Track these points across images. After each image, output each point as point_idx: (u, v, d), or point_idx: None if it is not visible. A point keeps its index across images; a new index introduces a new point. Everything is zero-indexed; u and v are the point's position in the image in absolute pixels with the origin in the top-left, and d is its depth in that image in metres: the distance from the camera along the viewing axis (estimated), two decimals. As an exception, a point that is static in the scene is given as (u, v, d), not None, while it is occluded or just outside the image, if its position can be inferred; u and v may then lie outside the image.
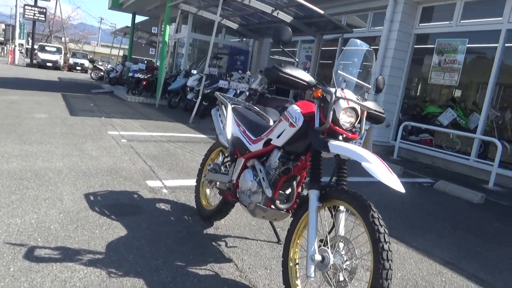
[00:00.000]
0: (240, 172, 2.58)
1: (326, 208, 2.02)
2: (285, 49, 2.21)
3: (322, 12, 8.17)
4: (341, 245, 1.91)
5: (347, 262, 1.84)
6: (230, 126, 2.79)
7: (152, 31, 24.09)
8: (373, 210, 1.73)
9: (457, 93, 8.18)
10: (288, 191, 2.34)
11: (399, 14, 8.03)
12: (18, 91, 10.46)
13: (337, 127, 1.98)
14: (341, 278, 1.85)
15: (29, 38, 35.03)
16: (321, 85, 2.08)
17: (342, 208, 1.97)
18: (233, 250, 2.65)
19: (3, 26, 42.06)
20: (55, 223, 2.70)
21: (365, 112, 2.08)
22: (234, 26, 11.70)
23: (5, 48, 39.02)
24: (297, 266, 2.12)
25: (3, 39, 40.85)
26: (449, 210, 4.47)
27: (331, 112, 1.95)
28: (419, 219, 3.89)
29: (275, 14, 9.00)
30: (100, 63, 23.10)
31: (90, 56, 32.62)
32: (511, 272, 2.99)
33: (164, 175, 4.20)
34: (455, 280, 2.69)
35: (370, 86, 2.13)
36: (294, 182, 2.31)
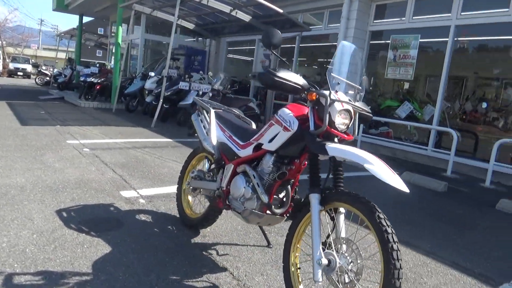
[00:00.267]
0: (230, 178, 2.52)
1: (325, 211, 2.02)
2: (275, 53, 2.18)
3: (281, 11, 8.23)
4: (344, 246, 1.92)
5: (352, 263, 1.86)
6: (214, 132, 2.72)
7: (99, 32, 23.11)
8: (378, 211, 1.75)
9: (412, 86, 8.57)
10: (283, 195, 2.31)
11: (355, 12, 8.27)
12: (-43, 101, 9.63)
13: (333, 130, 1.99)
14: (347, 280, 1.86)
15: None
16: (314, 88, 2.07)
17: (342, 210, 1.98)
18: (226, 258, 2.60)
19: None
20: (29, 245, 2.50)
21: (357, 113, 2.10)
22: (191, 26, 11.50)
23: None
24: (298, 270, 2.11)
25: None
26: (418, 201, 4.67)
27: (327, 115, 1.96)
28: (393, 211, 4.03)
29: (233, 13, 8.95)
30: (44, 68, 21.82)
31: (33, 61, 30.70)
32: (484, 256, 3.16)
33: (137, 184, 4.03)
34: (439, 269, 2.80)
35: (360, 87, 2.16)
36: (289, 186, 2.29)
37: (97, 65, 15.24)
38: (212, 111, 2.80)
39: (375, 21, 8.48)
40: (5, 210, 3.00)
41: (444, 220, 4.02)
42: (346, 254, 1.88)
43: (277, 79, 2.02)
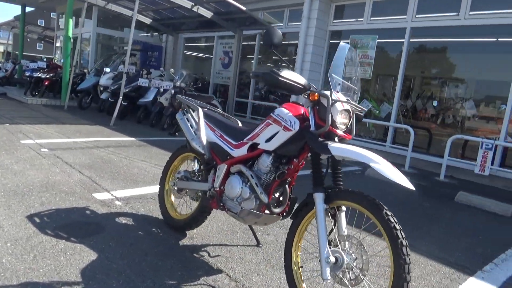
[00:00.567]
0: (223, 178, 2.48)
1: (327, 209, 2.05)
2: (276, 52, 2.17)
3: (244, 8, 8.21)
4: (348, 243, 1.96)
5: (357, 260, 1.90)
6: (204, 131, 2.66)
7: (39, 24, 21.66)
8: (385, 209, 1.81)
9: (371, 85, 8.91)
10: (280, 194, 2.32)
11: (315, 12, 8.44)
12: None
13: (335, 129, 2.02)
14: (352, 276, 1.90)
15: None
16: (315, 89, 2.10)
17: (343, 207, 2.03)
18: (219, 260, 2.56)
19: None
20: (6, 255, 2.30)
21: (355, 113, 2.16)
22: (147, 20, 11.13)
23: None
24: (301, 269, 2.13)
25: None
26: (388, 195, 4.87)
27: (330, 115, 1.98)
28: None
29: (195, 9, 8.78)
30: (-20, 61, 20.08)
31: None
32: (455, 246, 3.38)
33: (109, 186, 3.85)
34: (420, 260, 2.95)
35: (356, 88, 2.21)
36: (286, 185, 2.30)
37: (45, 59, 14.30)
38: (200, 110, 2.74)
39: (335, 21, 8.72)
40: (-32, 218, 2.75)
41: (413, 213, 4.24)
42: (350, 251, 1.93)
43: (281, 79, 2.03)
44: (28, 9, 18.67)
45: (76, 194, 3.51)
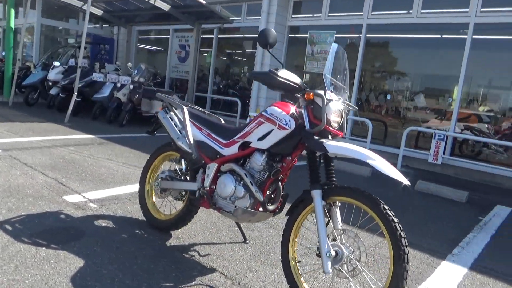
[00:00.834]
0: (213, 178, 2.47)
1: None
2: (271, 52, 2.19)
3: (203, 2, 8.09)
4: (344, 237, 2.04)
5: (356, 252, 1.99)
6: (190, 130, 2.62)
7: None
8: (382, 203, 1.91)
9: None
10: (272, 191, 2.35)
11: (275, 7, 8.52)
12: None
13: (330, 128, 2.08)
14: (351, 268, 1.99)
15: None
16: (309, 88, 2.15)
17: (338, 203, 2.11)
18: (210, 258, 2.55)
19: None
20: (-18, 267, 2.15)
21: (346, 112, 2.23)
22: (99, 12, 10.61)
23: None
24: (298, 264, 2.18)
25: None
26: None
27: (325, 114, 2.04)
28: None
29: (151, 1, 8.51)
30: None
31: None
32: (424, 232, 3.61)
33: (79, 187, 3.68)
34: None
35: (346, 87, 2.29)
36: (279, 183, 2.34)
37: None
38: (185, 109, 2.69)
39: (293, 16, 8.85)
40: None
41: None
42: (348, 244, 2.01)
43: (279, 79, 2.06)
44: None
45: (45, 197, 3.32)
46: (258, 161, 2.28)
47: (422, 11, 7.00)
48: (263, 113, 2.29)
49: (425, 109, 7.89)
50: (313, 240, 2.96)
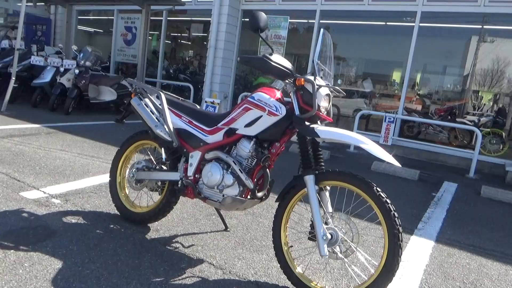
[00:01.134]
0: (197, 166, 2.40)
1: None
2: (262, 37, 2.14)
3: (153, -19, 7.70)
4: (336, 220, 2.09)
5: (348, 233, 2.05)
6: (169, 118, 2.51)
7: None
8: (375, 185, 1.96)
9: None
10: (259, 178, 2.33)
11: (228, -11, 8.35)
12: None
13: (320, 113, 2.10)
14: (344, 249, 2.04)
15: None
16: (299, 74, 2.13)
17: (327, 187, 2.15)
18: (195, 249, 2.49)
19: None
20: None
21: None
22: (33, -11, 9.71)
23: None
24: (291, 249, 2.20)
25: None
26: (292, 162, 5.20)
27: (316, 100, 2.05)
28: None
29: (95, -21, 7.93)
30: None
31: None
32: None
33: (36, 182, 3.40)
34: (369, 226, 3.26)
35: (331, 72, 2.30)
36: (267, 169, 2.32)
37: None
38: (163, 96, 2.56)
39: (247, 0, 8.73)
40: None
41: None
42: (340, 226, 2.06)
43: (274, 64, 2.02)
44: None
45: None
46: (245, 148, 2.25)
47: (373, -3, 7.24)
48: (249, 99, 2.25)
49: (375, 94, 8.24)
50: (299, 224, 2.99)
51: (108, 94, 7.75)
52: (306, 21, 8.29)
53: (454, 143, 7.56)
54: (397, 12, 7.16)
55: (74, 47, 7.63)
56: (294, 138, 2.24)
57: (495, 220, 3.88)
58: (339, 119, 8.51)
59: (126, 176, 2.79)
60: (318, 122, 2.14)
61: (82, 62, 7.36)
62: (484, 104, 7.97)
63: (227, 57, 8.64)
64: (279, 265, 2.17)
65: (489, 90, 7.76)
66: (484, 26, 6.92)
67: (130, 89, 8.23)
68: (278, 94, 2.27)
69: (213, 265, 2.32)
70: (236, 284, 2.14)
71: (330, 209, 2.14)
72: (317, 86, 2.06)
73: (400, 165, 2.02)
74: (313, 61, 2.15)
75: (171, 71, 10.62)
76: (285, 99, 2.31)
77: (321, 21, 7.88)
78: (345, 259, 2.03)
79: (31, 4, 12.01)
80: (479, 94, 7.95)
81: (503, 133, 6.86)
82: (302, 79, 2.08)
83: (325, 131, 2.03)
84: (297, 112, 2.11)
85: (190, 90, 9.00)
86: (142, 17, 8.62)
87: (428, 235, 3.21)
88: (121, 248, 2.38)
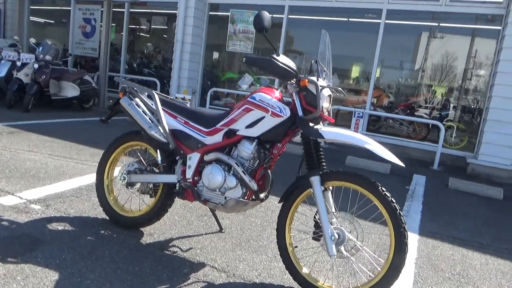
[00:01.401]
0: (196, 168, 2.34)
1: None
2: (266, 36, 2.11)
3: (117, -28, 7.37)
4: (340, 219, 2.12)
5: (353, 232, 2.09)
6: (164, 118, 2.42)
7: None
8: (380, 185, 2.01)
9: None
10: (260, 179, 2.32)
11: (194, -17, 8.17)
12: None
13: (324, 114, 2.12)
14: (349, 248, 2.08)
15: None
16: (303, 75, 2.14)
17: (330, 187, 2.18)
18: (194, 252, 2.44)
19: None
20: None
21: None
22: (-20, -25, 8.99)
23: None
24: (295, 249, 2.21)
25: None
26: (283, 163, 5.25)
27: (320, 101, 2.06)
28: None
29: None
30: None
31: None
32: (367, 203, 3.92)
33: (9, 187, 3.17)
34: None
35: (329, 73, 2.32)
36: (268, 170, 2.31)
37: None
38: (156, 95, 2.47)
39: (212, -6, 8.60)
40: None
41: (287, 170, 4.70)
42: (345, 226, 2.10)
43: (281, 65, 2.01)
44: None
45: (-29, 202, 2.81)
46: (247, 149, 2.22)
47: (341, -5, 7.37)
48: (250, 99, 2.22)
49: (343, 89, 8.43)
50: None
51: (71, 90, 7.37)
52: (274, 16, 8.30)
53: (412, 135, 7.92)
54: (363, 9, 7.35)
55: (32, 40, 7.18)
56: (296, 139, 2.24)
57: (466, 211, 4.12)
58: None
59: (118, 178, 2.66)
60: (320, 122, 2.16)
61: (41, 56, 6.94)
62: (444, 99, 8.38)
63: (194, 51, 8.48)
64: (284, 265, 2.18)
65: (439, 84, 8.14)
66: (441, 24, 7.27)
67: (94, 85, 7.91)
68: (278, 94, 2.26)
69: (216, 268, 2.29)
70: (242, 287, 2.13)
71: (333, 209, 2.17)
72: (321, 87, 2.07)
73: (403, 165, 2.08)
74: (316, 62, 2.16)
75: (135, 65, 10.27)
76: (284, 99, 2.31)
77: (289, 16, 7.93)
78: (351, 257, 2.07)
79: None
80: (432, 88, 8.32)
81: (463, 127, 7.27)
82: (306, 80, 2.08)
83: (329, 132, 2.05)
84: (300, 113, 2.11)
85: (156, 85, 8.75)
86: (105, 9, 8.24)
87: (411, 228, 3.35)
88: (118, 255, 2.29)
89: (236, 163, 2.21)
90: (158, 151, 2.45)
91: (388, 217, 1.97)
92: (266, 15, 2.06)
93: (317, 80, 2.09)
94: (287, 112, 2.12)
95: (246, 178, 2.18)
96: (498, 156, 5.99)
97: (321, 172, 2.12)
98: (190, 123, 2.41)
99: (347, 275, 2.40)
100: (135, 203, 2.90)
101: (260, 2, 8.13)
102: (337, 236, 2.03)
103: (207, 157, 2.32)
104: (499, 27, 6.53)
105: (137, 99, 2.56)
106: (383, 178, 5.20)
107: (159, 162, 2.43)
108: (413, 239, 3.11)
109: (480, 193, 4.91)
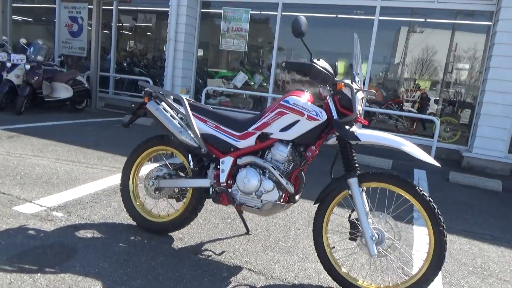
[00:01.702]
0: (229, 172, 2.35)
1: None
2: (303, 40, 2.13)
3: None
4: (375, 219, 2.18)
5: (390, 232, 2.15)
6: (195, 123, 2.42)
7: None
8: (417, 186, 2.07)
9: (246, 57, 9.15)
10: (296, 181, 2.35)
11: (186, -20, 8.10)
12: None
13: (359, 117, 2.16)
14: (386, 247, 2.14)
15: None
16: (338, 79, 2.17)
17: (364, 188, 2.22)
18: (228, 256, 2.45)
19: None
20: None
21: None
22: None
23: None
24: (333, 250, 2.25)
25: None
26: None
27: (356, 104, 2.11)
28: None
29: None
30: None
31: None
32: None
33: (25, 194, 3.11)
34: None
35: (360, 75, 2.37)
36: (302, 172, 2.35)
37: None
38: (186, 101, 2.46)
39: (205, -8, 8.54)
40: None
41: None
42: (382, 225, 2.15)
43: (321, 69, 2.04)
44: None
45: (-9, 211, 2.74)
46: (282, 152, 2.25)
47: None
48: (283, 102, 2.24)
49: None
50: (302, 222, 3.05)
51: (63, 91, 7.22)
52: (267, 13, 8.31)
53: (400, 129, 8.09)
54: (359, 6, 7.44)
55: (23, 40, 6.98)
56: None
57: (471, 204, 4.25)
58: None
59: (145, 184, 2.64)
60: (354, 124, 2.21)
61: (33, 56, 6.76)
62: (438, 94, 8.57)
63: (188, 50, 8.41)
64: (321, 266, 2.22)
65: (426, 79, 8.32)
66: (432, 20, 7.43)
67: (86, 86, 7.76)
68: (309, 96, 2.29)
69: (253, 271, 2.31)
70: (283, 289, 2.16)
71: (368, 209, 2.22)
72: (356, 90, 2.12)
73: (439, 165, 2.15)
74: (350, 65, 2.20)
75: (125, 64, 10.11)
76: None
77: (283, 13, 7.95)
78: (389, 256, 2.13)
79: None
80: (416, 82, 8.50)
81: (456, 121, 7.47)
82: (342, 83, 2.12)
83: (366, 135, 2.10)
84: (335, 116, 2.15)
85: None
86: (94, 7, 8.08)
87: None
88: (154, 261, 2.29)
89: (272, 166, 2.24)
90: (189, 155, 2.45)
91: (427, 216, 2.03)
92: (303, 20, 2.08)
93: (352, 83, 2.14)
94: (323, 116, 2.15)
95: (283, 181, 2.21)
96: (491, 149, 6.20)
97: (358, 174, 2.17)
98: (221, 127, 2.42)
99: (386, 273, 2.46)
100: (161, 208, 2.89)
101: (253, -1, 8.13)
102: (377, 236, 2.08)
103: (240, 161, 2.34)
104: (490, 23, 6.72)
105: (163, 104, 2.55)
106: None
107: (191, 166, 2.43)
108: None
109: (479, 185, 5.07)
